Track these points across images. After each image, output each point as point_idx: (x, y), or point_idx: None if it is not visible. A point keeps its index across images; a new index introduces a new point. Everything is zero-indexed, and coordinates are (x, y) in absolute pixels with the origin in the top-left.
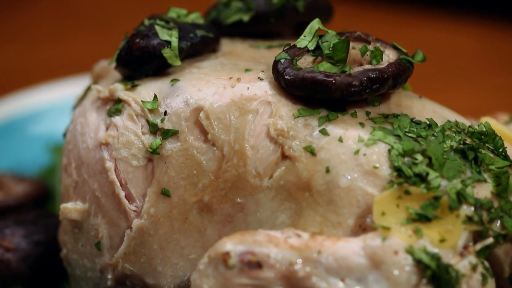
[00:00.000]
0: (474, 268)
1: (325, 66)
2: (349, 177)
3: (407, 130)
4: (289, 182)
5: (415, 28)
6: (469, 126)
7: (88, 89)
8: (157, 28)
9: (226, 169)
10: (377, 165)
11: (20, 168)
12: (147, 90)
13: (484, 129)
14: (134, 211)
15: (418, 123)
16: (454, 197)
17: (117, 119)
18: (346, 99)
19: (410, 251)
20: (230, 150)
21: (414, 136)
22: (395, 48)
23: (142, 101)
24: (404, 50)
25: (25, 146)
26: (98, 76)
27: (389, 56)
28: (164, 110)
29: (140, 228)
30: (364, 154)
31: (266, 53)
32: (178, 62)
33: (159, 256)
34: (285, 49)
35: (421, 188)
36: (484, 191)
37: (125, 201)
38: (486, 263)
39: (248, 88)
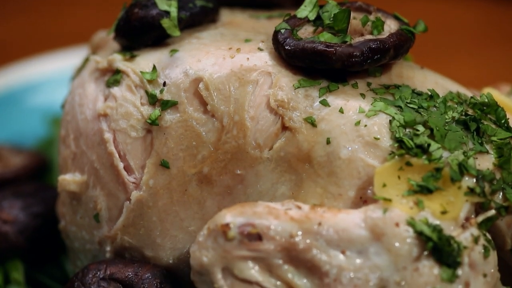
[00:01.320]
0: (476, 240)
1: (326, 37)
2: (350, 148)
3: (408, 101)
4: (289, 153)
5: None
6: (471, 97)
7: (87, 60)
8: None
9: (225, 141)
10: (378, 136)
11: (18, 140)
12: (146, 60)
13: (486, 100)
14: (133, 182)
15: (419, 94)
16: (456, 168)
17: (115, 90)
18: (347, 70)
19: (411, 223)
20: (230, 121)
21: (415, 107)
22: (396, 18)
23: (141, 71)
24: (406, 20)
25: (23, 118)
26: (97, 46)
27: (391, 26)
28: (163, 81)
29: (139, 200)
30: (365, 125)
31: (266, 24)
32: (177, 33)
33: (158, 228)
34: (285, 19)
35: (423, 160)
36: (486, 162)
37: (124, 173)
38: (488, 235)
39: (248, 58)
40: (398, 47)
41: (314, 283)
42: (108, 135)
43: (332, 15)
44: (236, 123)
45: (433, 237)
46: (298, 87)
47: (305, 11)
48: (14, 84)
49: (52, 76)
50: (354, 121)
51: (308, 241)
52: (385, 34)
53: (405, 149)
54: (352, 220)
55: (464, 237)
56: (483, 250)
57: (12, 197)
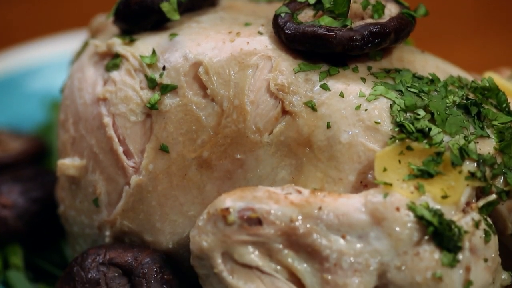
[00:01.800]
0: (477, 224)
1: (326, 20)
2: (350, 133)
3: (409, 85)
4: (289, 137)
5: None
6: (472, 81)
7: (86, 44)
8: None
9: (225, 125)
10: (379, 120)
11: (17, 125)
12: (146, 44)
13: (487, 84)
14: (133, 167)
15: (420, 78)
16: (457, 153)
17: (115, 74)
18: (347, 54)
19: (412, 208)
20: (230, 105)
21: (416, 91)
22: (397, 2)
23: (140, 55)
24: (406, 4)
25: (22, 102)
26: (96, 30)
27: (391, 10)
28: (162, 65)
29: (138, 185)
30: (366, 110)
31: (266, 7)
32: (177, 16)
33: (158, 212)
34: (285, 3)
35: (423, 144)
36: (487, 147)
37: (123, 157)
38: (489, 220)
39: (248, 42)
40: (399, 31)
41: (314, 267)
42: (107, 119)
43: None
44: (236, 107)
45: (434, 222)
46: (298, 71)
47: None
48: (13, 68)
49: (51, 60)
50: (355, 105)
51: (308, 225)
52: (385, 18)
53: (405, 133)
54: (353, 205)
55: (465, 221)
56: (484, 235)
57: (11, 181)
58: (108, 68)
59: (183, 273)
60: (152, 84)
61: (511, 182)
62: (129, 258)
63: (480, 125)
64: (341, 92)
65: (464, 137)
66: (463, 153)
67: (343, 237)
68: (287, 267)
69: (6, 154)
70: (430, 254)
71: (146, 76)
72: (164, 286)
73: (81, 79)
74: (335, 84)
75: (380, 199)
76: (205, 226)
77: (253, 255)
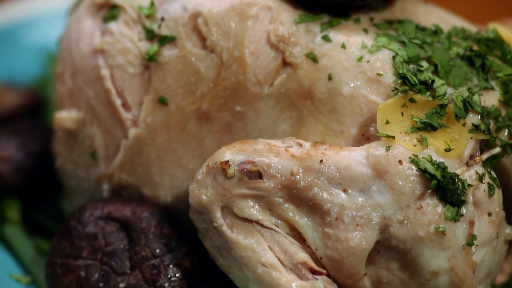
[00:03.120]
0: (480, 178)
1: None
2: (352, 85)
3: (412, 36)
4: (290, 90)
5: None
6: (476, 33)
7: None
8: None
9: (225, 77)
10: (381, 72)
11: (12, 78)
12: None
13: (492, 36)
14: (131, 119)
15: (423, 29)
16: (461, 105)
17: (112, 25)
18: (349, 4)
19: (414, 161)
20: (229, 57)
21: (419, 42)
22: None
23: (138, 6)
24: None
25: (18, 55)
26: None
27: None
28: (161, 16)
29: (136, 137)
30: (368, 61)
31: None
32: None
33: (157, 166)
34: None
35: (427, 96)
36: (491, 99)
37: (121, 110)
38: (493, 173)
39: None
40: None
41: (315, 221)
42: (105, 71)
43: None
44: (236, 58)
45: (437, 175)
46: (299, 22)
47: None
48: (9, 20)
49: (48, 12)
50: (357, 56)
51: (309, 179)
52: None
53: (408, 85)
54: (354, 158)
55: (468, 175)
56: (488, 189)
57: (8, 135)
58: (106, 19)
59: (181, 227)
60: (150, 35)
61: None
62: (127, 212)
63: (484, 77)
64: (343, 43)
65: (468, 89)
66: (467, 106)
67: (345, 190)
68: (287, 221)
69: (2, 107)
70: (433, 208)
71: (144, 27)
72: (163, 240)
73: (78, 30)
74: (336, 35)
75: (382, 152)
76: (204, 179)
77: (253, 209)
